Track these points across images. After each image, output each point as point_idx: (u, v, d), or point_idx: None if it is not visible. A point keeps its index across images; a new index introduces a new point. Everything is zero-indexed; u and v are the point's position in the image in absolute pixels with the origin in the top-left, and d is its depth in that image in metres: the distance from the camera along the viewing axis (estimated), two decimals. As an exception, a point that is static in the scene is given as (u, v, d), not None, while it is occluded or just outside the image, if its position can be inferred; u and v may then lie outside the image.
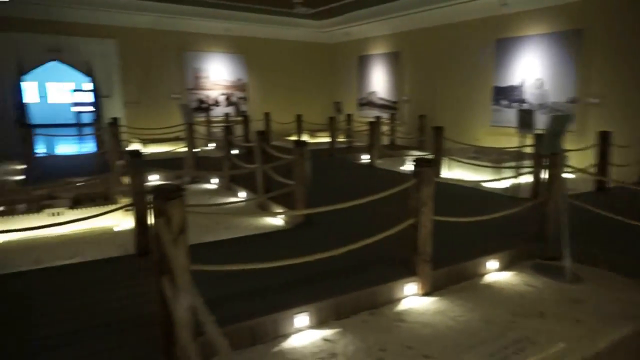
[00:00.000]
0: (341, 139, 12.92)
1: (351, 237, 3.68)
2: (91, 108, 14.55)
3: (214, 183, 8.31)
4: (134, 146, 11.86)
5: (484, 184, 7.18)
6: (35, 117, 20.59)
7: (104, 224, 5.37)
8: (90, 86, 12.92)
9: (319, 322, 3.35)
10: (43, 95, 22.04)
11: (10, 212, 5.59)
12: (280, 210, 5.91)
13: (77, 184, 6.63)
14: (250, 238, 5.03)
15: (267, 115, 13.28)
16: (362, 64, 15.41)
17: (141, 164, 3.99)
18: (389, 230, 3.75)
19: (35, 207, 5.59)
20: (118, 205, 5.18)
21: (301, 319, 3.26)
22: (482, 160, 8.22)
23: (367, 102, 15.31)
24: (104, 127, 10.87)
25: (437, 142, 8.11)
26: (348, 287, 3.56)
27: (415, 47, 13.29)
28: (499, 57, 10.73)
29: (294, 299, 3.33)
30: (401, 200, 4.00)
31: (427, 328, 3.39)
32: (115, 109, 12.97)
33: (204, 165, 8.97)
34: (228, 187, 7.70)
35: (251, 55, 15.31)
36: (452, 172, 8.41)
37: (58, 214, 5.10)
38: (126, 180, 6.67)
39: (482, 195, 6.98)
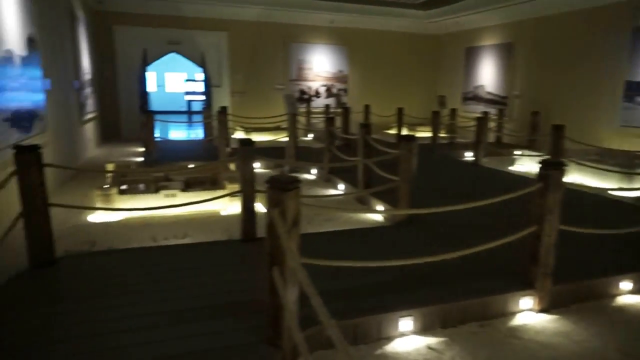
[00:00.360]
0: (442, 134, 12.35)
1: (457, 240, 3.41)
2: (202, 97, 15.51)
3: (313, 174, 8.38)
4: (238, 134, 12.44)
5: (611, 192, 6.36)
6: (153, 104, 22.68)
7: (211, 208, 5.63)
8: (202, 76, 13.76)
9: (423, 328, 3.16)
10: (161, 84, 24.04)
11: (132, 190, 6.11)
12: (382, 207, 5.75)
13: (189, 167, 7.06)
14: (350, 232, 4.94)
15: (367, 107, 13.13)
16: (469, 56, 14.56)
17: (251, 152, 4.07)
18: (506, 237, 3.42)
19: (153, 187, 6.04)
20: (227, 191, 5.39)
21: (405, 323, 3.09)
22: (608, 165, 7.29)
23: (473, 97, 14.46)
24: (213, 115, 11.50)
25: (557, 142, 7.35)
26: (456, 295, 3.31)
27: (531, 37, 12.21)
28: (636, 47, 9.42)
29: (399, 301, 3.17)
30: (514, 205, 3.62)
31: (547, 350, 3.03)
32: (223, 98, 13.70)
33: (303, 155, 9.09)
34: (327, 179, 7.70)
35: (353, 47, 15.22)
36: (570, 176, 7.58)
37: (173, 195, 5.45)
38: (233, 166, 6.95)
39: (608, 204, 6.17)
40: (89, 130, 10.34)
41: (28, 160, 3.32)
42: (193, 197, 5.56)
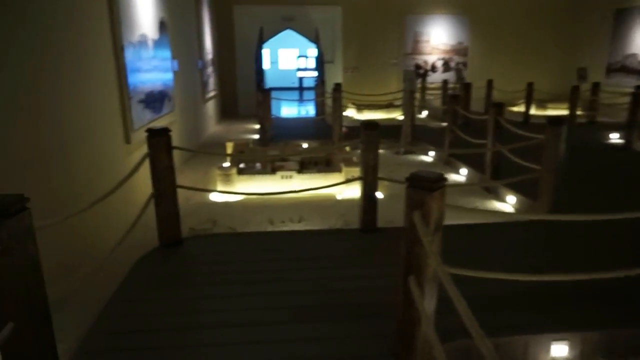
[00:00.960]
0: (578, 112, 10.81)
1: (619, 247, 2.74)
2: (314, 73, 15.48)
3: (430, 156, 7.83)
4: (349, 111, 12.19)
5: None
6: (267, 81, 23.43)
7: (327, 191, 5.46)
8: (315, 52, 13.68)
9: (582, 357, 2.62)
10: (274, 61, 24.67)
11: (249, 170, 6.19)
12: (514, 198, 5.08)
13: (304, 148, 6.97)
14: (480, 228, 4.42)
15: (489, 82, 11.97)
16: (620, 19, 12.45)
17: (376, 137, 3.74)
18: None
19: (269, 167, 6.05)
20: (345, 176, 5.18)
21: (559, 348, 2.59)
22: None
23: (620, 67, 12.42)
24: (327, 92, 11.37)
25: None
26: (628, 318, 2.69)
27: None
28: None
29: (551, 321, 2.66)
30: None
31: None
32: (335, 75, 13.51)
33: (420, 135, 8.54)
34: (447, 162, 7.12)
35: (475, 16, 13.93)
36: None
37: (290, 177, 5.38)
38: (348, 148, 6.70)
39: None
40: (210, 107, 10.86)
41: (159, 143, 3.37)
42: (309, 179, 5.43)
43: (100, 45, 4.08)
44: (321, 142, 8.47)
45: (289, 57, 24.59)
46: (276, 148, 6.91)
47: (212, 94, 10.95)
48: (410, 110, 8.20)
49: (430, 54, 14.10)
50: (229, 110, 13.39)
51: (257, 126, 10.25)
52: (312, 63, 22.62)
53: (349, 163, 5.62)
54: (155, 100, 5.61)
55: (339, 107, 8.53)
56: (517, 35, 14.14)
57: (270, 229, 4.47)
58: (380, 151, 8.52)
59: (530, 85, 10.78)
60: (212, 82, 11.06)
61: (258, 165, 6.55)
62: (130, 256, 3.44)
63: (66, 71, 3.44)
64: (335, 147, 6.85)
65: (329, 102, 9.91)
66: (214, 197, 5.37)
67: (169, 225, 3.55)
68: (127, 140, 4.53)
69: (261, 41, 12.85)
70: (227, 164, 5.92)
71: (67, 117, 3.45)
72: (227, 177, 5.21)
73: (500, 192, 5.41)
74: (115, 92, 4.38)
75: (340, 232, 4.09)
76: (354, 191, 5.33)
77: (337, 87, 8.75)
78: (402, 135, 8.16)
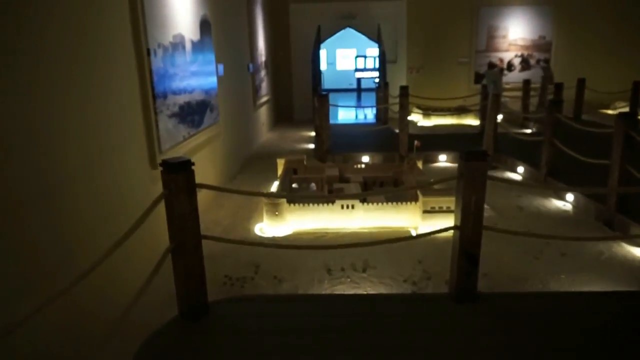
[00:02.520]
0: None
1: None
2: (373, 74, 14.37)
3: (518, 172, 6.48)
4: (414, 117, 10.94)
5: None
6: (324, 83, 22.55)
7: (396, 223, 4.37)
8: (376, 51, 12.56)
9: None
10: (331, 62, 23.74)
11: (302, 190, 5.23)
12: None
13: (366, 164, 5.90)
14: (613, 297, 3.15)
15: (581, 82, 10.27)
16: None
17: (483, 170, 2.59)
18: None
19: (326, 187, 5.05)
20: (426, 208, 4.07)
21: None
22: None
23: None
24: (391, 96, 10.24)
25: None
26: None
27: None
28: None
29: None
30: None
31: None
32: (398, 76, 12.30)
33: (505, 147, 7.20)
34: (543, 181, 5.76)
35: (561, 6, 12.18)
36: None
37: (352, 207, 4.33)
38: (420, 164, 5.56)
39: None
40: (263, 114, 10.06)
41: (177, 182, 2.46)
42: (375, 210, 4.35)
43: (117, 49, 3.25)
44: (386, 155, 7.36)
45: (347, 57, 23.58)
46: (334, 165, 5.89)
47: (264, 99, 10.14)
48: (494, 117, 6.89)
49: (506, 50, 12.52)
50: (283, 116, 12.58)
51: (313, 133, 9.32)
52: (371, 63, 21.48)
53: (427, 190, 4.48)
54: (193, 112, 4.78)
55: (405, 114, 7.37)
56: (612, 26, 12.21)
57: (326, 280, 3.45)
58: (449, 164, 7.34)
59: (637, 85, 9.02)
60: (264, 86, 10.26)
61: (313, 185, 5.57)
62: (140, 330, 2.55)
63: (62, 81, 2.60)
64: (394, 166, 5.71)
65: (394, 107, 8.76)
66: (260, 228, 4.44)
67: (190, 290, 2.62)
68: (154, 165, 3.69)
69: (318, 41, 11.92)
70: (276, 185, 4.98)
71: (70, 145, 2.62)
72: (274, 207, 4.25)
73: (630, 228, 4.05)
74: (138, 106, 3.54)
75: (424, 299, 2.97)
76: (433, 225, 4.20)
77: (404, 91, 7.61)
78: (484, 145, 6.86)
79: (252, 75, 8.69)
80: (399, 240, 3.15)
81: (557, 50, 12.44)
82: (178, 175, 2.44)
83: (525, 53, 12.58)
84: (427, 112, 10.91)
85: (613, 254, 3.87)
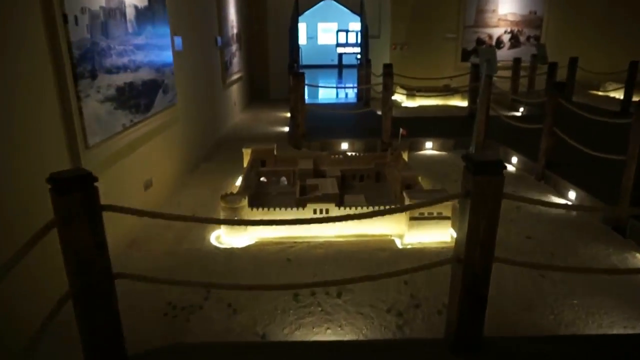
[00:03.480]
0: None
1: None
2: (356, 49, 13.54)
3: (512, 163, 5.89)
4: (397, 97, 10.22)
5: None
6: (304, 59, 21.52)
7: (378, 231, 3.72)
8: (359, 26, 11.73)
9: None
10: (312, 36, 22.67)
11: (271, 187, 4.54)
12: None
13: (346, 155, 5.22)
14: None
15: (572, 61, 9.68)
16: None
17: (498, 186, 1.92)
18: None
19: (299, 183, 4.37)
20: (413, 215, 3.42)
21: None
22: None
23: None
24: (373, 74, 9.51)
25: None
26: None
27: None
28: None
29: None
30: None
31: None
32: (381, 52, 11.52)
33: (496, 133, 6.59)
34: (541, 176, 5.18)
35: (554, -21, 11.49)
36: None
37: (326, 212, 3.65)
38: (406, 155, 4.90)
39: None
40: (234, 92, 9.22)
41: (72, 206, 1.73)
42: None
43: (18, 15, 2.45)
44: (367, 142, 6.68)
45: (328, 31, 22.54)
46: (308, 155, 5.18)
47: (236, 76, 9.28)
48: (486, 101, 6.24)
49: (496, 26, 11.82)
50: (258, 95, 11.73)
51: (289, 115, 8.58)
52: (353, 38, 20.53)
53: (415, 192, 3.83)
54: (139, 94, 3.99)
55: (389, 96, 6.67)
56: (607, 2, 11.59)
57: (292, 310, 2.80)
58: (437, 152, 6.70)
59: (634, 65, 8.45)
60: (236, 62, 9.38)
61: (284, 180, 4.87)
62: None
63: None
64: (375, 155, 5.04)
65: (377, 87, 8.03)
66: (218, 237, 3.75)
67: (102, 347, 1.94)
68: (77, 165, 2.94)
69: (296, 13, 11.00)
70: (238, 187, 4.27)
71: None
72: (233, 213, 3.55)
73: (650, 242, 3.50)
74: (51, 90, 2.76)
75: (413, 347, 2.33)
76: (422, 234, 3.57)
77: (388, 70, 6.88)
78: (475, 132, 6.23)
79: (221, 50, 7.83)
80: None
81: (549, 26, 11.79)
82: (73, 196, 1.72)
83: (515, 29, 11.91)
84: (411, 92, 10.21)
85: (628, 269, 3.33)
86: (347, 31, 20.92)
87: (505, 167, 1.91)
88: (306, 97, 6.93)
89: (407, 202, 3.58)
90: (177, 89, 5.08)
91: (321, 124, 7.66)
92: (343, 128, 7.43)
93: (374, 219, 3.68)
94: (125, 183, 3.80)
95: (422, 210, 3.50)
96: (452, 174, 5.51)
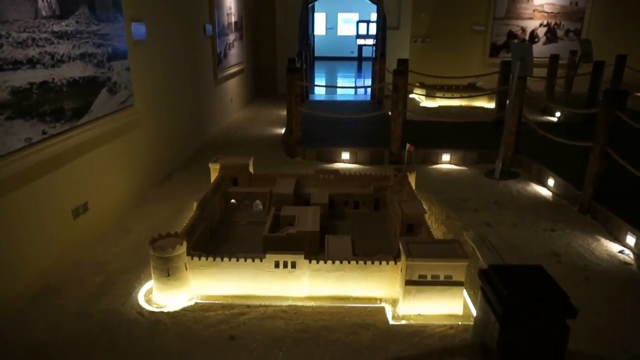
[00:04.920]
0: None
1: None
2: (373, 42, 12.45)
3: (548, 187, 4.77)
4: (416, 94, 9.10)
5: None
6: (320, 49, 20.44)
7: (363, 291, 2.72)
8: (376, 16, 10.62)
9: None
10: (331, 26, 21.56)
11: (242, 213, 3.60)
12: None
13: (334, 175, 4.21)
14: None
15: (620, 59, 8.39)
16: None
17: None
18: None
19: (273, 212, 3.41)
20: (412, 277, 2.42)
21: None
22: None
23: None
24: (388, 70, 8.44)
25: None
26: None
27: None
28: None
29: None
30: None
31: None
32: (400, 45, 10.40)
33: (529, 145, 5.47)
34: (587, 208, 4.06)
35: (601, -36, 10.12)
36: None
37: (292, 266, 2.66)
38: (413, 178, 3.87)
39: None
40: (231, 87, 8.27)
41: None
42: (329, 273, 2.70)
43: None
44: (373, 152, 5.65)
45: (349, 21, 21.38)
46: (289, 174, 4.17)
47: (234, 69, 8.33)
48: (518, 108, 5.13)
49: (530, 18, 10.53)
50: (264, 89, 10.76)
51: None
52: (374, 29, 19.34)
53: (415, 245, 2.82)
54: (61, 97, 3.07)
55: (401, 98, 5.60)
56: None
57: None
58: (457, 168, 5.58)
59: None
60: (235, 53, 8.42)
61: (258, 204, 3.91)
62: None
63: None
64: (393, 181, 4.01)
65: (390, 86, 6.96)
66: (148, 294, 2.81)
67: None
68: None
69: (306, 1, 9.96)
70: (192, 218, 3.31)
71: None
72: (165, 263, 2.60)
73: None
74: None
75: None
76: (421, 304, 2.56)
77: (401, 68, 5.79)
78: (502, 145, 5.13)
79: (212, 40, 6.88)
80: None
81: (592, 19, 10.43)
82: None
83: (552, 22, 10.59)
84: (431, 91, 9.07)
85: None
86: (368, 22, 19.75)
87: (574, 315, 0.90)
88: (317, 91, 5.93)
89: (402, 259, 2.56)
90: (134, 87, 4.15)
91: (322, 128, 6.65)
92: (346, 134, 6.40)
93: (357, 276, 2.68)
94: (35, 214, 2.90)
95: (422, 271, 2.49)
96: (472, 199, 4.45)
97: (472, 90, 9.03)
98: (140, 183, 4.43)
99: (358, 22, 20.01)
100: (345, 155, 5.65)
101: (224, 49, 7.53)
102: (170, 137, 5.25)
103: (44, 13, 2.88)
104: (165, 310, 2.63)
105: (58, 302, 2.78)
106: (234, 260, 2.69)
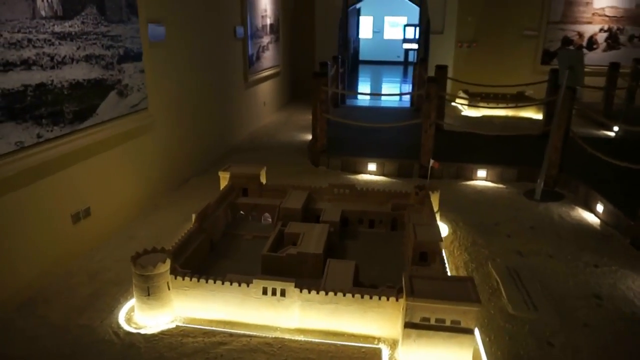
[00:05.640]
0: None
1: None
2: (415, 46, 12.03)
3: (597, 213, 4.22)
4: (459, 101, 8.59)
5: None
6: (366, 53, 20.11)
7: (359, 328, 2.40)
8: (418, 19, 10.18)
9: None
10: (378, 30, 21.16)
11: (239, 235, 3.38)
12: None
13: (349, 190, 3.91)
14: None
15: (692, 70, 7.52)
16: None
17: None
18: None
19: (279, 223, 3.17)
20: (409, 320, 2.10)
21: None
22: None
23: None
24: (424, 76, 8.01)
25: None
26: None
27: None
28: None
29: None
30: None
31: None
32: (444, 50, 9.91)
33: (574, 163, 4.92)
34: (636, 237, 3.53)
35: (674, -35, 9.17)
36: None
37: (281, 294, 2.39)
38: (435, 198, 3.51)
39: None
40: (264, 91, 8.13)
41: None
42: (321, 304, 2.42)
43: None
44: (402, 164, 5.29)
45: (395, 25, 20.91)
46: (300, 187, 3.91)
47: (268, 72, 8.19)
48: (565, 122, 4.61)
49: (589, 22, 9.71)
50: (301, 92, 10.56)
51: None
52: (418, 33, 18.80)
53: (420, 285, 2.48)
54: (60, 100, 2.97)
55: (434, 109, 5.19)
56: None
57: None
58: (493, 185, 5.05)
59: None
60: (270, 55, 8.28)
61: (267, 217, 3.69)
62: None
63: None
64: (414, 200, 3.66)
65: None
66: (128, 314, 2.63)
67: None
68: None
69: (346, 5, 9.70)
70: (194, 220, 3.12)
71: None
72: (145, 282, 2.41)
73: None
74: None
75: None
76: (427, 352, 2.21)
77: (439, 74, 5.38)
78: (545, 162, 4.62)
79: (243, 42, 6.75)
80: None
81: (660, 25, 9.49)
82: None
83: (615, 27, 9.71)
84: (474, 99, 8.53)
85: None
86: (415, 26, 19.16)
87: None
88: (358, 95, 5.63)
89: (402, 302, 2.23)
90: (148, 90, 4.04)
91: (351, 136, 6.34)
92: (376, 143, 6.06)
93: (352, 311, 2.38)
94: (29, 219, 2.80)
95: (425, 313, 2.15)
96: (505, 222, 4.00)
97: (519, 99, 8.41)
98: (153, 187, 4.32)
99: (405, 25, 19.49)
100: (372, 167, 5.32)
101: (256, 52, 7.39)
102: (191, 140, 5.13)
103: (43, 13, 2.79)
104: (143, 332, 2.44)
105: (43, 312, 2.66)
106: (219, 283, 2.46)
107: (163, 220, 3.98)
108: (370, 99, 10.85)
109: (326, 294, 2.37)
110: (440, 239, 2.85)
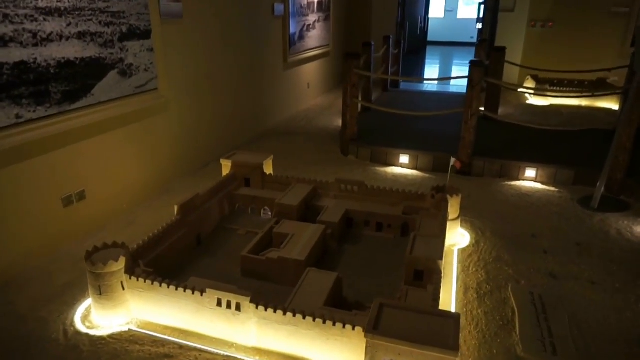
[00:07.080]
0: None
1: None
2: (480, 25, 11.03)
3: (666, 230, 3.46)
4: (527, 87, 7.68)
5: None
6: (436, 34, 18.97)
7: (319, 355, 2.05)
8: (489, -5, 9.24)
9: None
10: (451, 8, 19.84)
11: (233, 230, 3.13)
12: None
13: (357, 187, 3.49)
14: None
15: None
16: None
17: None
18: None
19: (257, 239, 2.87)
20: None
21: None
22: None
23: None
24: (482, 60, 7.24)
25: None
26: None
27: None
28: None
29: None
30: None
31: None
32: (514, 30, 8.91)
33: (647, 171, 4.11)
34: None
35: None
36: None
37: (236, 308, 2.09)
38: (456, 200, 3.03)
39: None
40: (308, 72, 7.79)
41: None
42: (279, 325, 2.09)
43: None
44: (437, 157, 4.75)
45: (470, 4, 19.48)
46: (305, 181, 3.56)
47: (314, 52, 7.82)
48: (638, 115, 3.82)
49: (696, -2, 8.22)
50: (353, 74, 10.06)
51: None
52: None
53: (394, 303, 2.06)
54: (45, 79, 2.85)
55: (475, 97, 4.55)
56: None
57: None
58: (542, 188, 4.23)
59: None
60: (316, 35, 7.88)
61: (267, 211, 3.41)
62: None
63: None
64: (430, 203, 3.18)
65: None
66: (86, 313, 2.47)
67: None
68: None
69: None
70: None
71: None
72: (97, 280, 2.23)
73: None
74: None
75: None
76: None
77: (496, 55, 4.70)
78: (608, 163, 3.88)
79: (283, 21, 6.43)
80: None
81: None
82: None
83: None
84: (543, 85, 7.58)
85: None
86: (482, 2, 17.73)
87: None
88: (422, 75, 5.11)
89: (361, 336, 1.83)
90: (159, 70, 3.86)
91: (387, 125, 5.83)
92: (412, 133, 5.51)
93: (313, 335, 2.02)
94: (10, 201, 2.74)
95: (389, 355, 1.74)
96: (546, 235, 3.39)
97: (598, 87, 7.33)
98: (163, 171, 4.19)
99: (480, 3, 18.03)
100: (404, 159, 4.83)
101: (299, 31, 7.04)
102: (213, 123, 4.94)
103: (24, -14, 2.64)
104: (92, 332, 2.27)
105: (13, 298, 2.60)
106: (172, 288, 2.21)
107: (169, 206, 3.82)
108: (432, 84, 10.10)
109: (284, 313, 2.04)
110: (440, 256, 2.38)
